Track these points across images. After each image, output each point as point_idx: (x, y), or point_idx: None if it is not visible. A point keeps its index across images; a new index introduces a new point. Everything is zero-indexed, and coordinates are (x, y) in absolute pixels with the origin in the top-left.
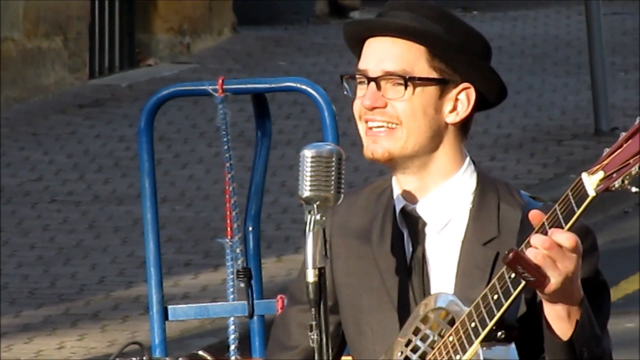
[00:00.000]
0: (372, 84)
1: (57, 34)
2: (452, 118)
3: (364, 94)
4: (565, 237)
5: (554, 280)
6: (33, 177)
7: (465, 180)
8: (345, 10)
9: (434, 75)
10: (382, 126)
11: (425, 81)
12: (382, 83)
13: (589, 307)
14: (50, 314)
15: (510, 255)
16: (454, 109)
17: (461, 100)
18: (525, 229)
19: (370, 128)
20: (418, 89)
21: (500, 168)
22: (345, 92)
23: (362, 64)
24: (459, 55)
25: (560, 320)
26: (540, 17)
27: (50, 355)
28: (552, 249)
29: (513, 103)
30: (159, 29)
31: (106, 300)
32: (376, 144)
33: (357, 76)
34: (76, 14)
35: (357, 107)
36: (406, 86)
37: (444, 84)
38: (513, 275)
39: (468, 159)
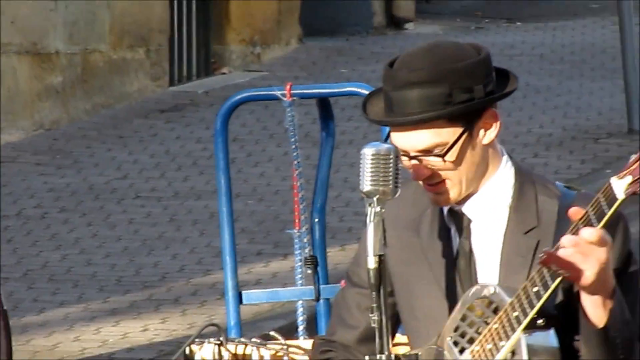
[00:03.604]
0: (414, 160)
1: (140, 45)
2: (487, 139)
3: (409, 164)
4: (589, 233)
5: (589, 272)
6: (119, 175)
7: (504, 177)
8: (400, 23)
9: (460, 129)
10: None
11: (457, 140)
12: (421, 157)
13: (621, 294)
14: (135, 299)
15: (544, 256)
16: (485, 132)
17: (489, 122)
18: (562, 219)
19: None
20: (453, 149)
21: (543, 164)
22: (402, 166)
23: (397, 143)
24: (472, 99)
25: (597, 307)
26: (577, 27)
27: (135, 336)
28: (579, 245)
29: (554, 105)
30: (232, 41)
31: (186, 286)
32: (438, 196)
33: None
34: (157, 28)
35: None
36: (445, 160)
37: (471, 127)
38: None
39: (505, 156)
